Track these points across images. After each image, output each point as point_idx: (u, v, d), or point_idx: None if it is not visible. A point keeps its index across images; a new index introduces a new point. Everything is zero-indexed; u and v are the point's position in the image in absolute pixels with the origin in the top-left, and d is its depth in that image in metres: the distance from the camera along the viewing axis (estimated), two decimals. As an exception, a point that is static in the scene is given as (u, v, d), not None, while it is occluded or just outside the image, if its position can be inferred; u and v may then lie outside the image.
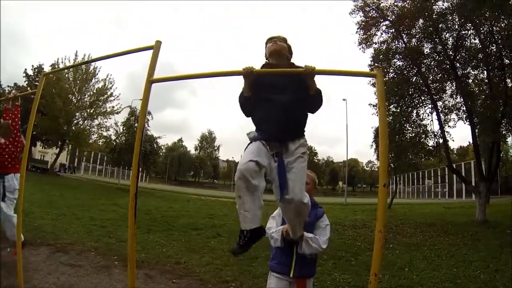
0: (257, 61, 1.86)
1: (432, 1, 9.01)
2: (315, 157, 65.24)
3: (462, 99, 9.40)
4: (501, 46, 8.43)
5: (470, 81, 9.59)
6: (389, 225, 7.66)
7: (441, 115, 9.69)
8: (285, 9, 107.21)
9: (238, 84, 1.72)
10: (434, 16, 8.97)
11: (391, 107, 9.80)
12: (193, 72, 2.30)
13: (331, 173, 65.53)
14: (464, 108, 9.35)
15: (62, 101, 20.65)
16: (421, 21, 9.37)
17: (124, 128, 20.27)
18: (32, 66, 23.18)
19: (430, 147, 10.02)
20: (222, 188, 47.65)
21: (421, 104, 10.09)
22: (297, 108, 1.71)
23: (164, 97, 74.12)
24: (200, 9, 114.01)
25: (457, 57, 9.26)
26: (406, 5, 9.66)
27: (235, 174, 1.56)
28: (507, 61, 8.60)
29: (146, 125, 17.22)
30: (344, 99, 22.51)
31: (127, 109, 21.19)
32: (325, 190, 59.15)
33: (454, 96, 9.78)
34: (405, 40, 9.80)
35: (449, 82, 9.75)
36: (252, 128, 1.81)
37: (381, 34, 10.17)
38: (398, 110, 9.93)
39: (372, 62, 9.87)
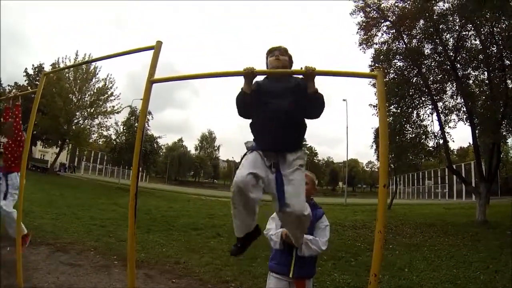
0: (257, 61, 1.85)
1: (433, 1, 9.01)
2: (315, 158, 65.25)
3: (462, 100, 9.40)
4: (501, 47, 8.43)
5: (471, 82, 9.58)
6: (389, 226, 7.66)
7: (441, 115, 9.69)
8: (285, 9, 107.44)
9: (238, 84, 1.72)
10: (434, 17, 8.98)
11: (391, 107, 9.79)
12: (193, 72, 2.30)
13: (331, 173, 65.50)
14: (465, 109, 9.35)
15: (63, 100, 20.67)
16: (421, 21, 9.36)
17: (124, 128, 20.29)
18: (33, 65, 23.25)
19: (430, 148, 10.01)
20: (222, 188, 47.51)
21: (421, 105, 10.09)
22: (296, 114, 1.67)
23: (164, 97, 74.15)
24: (200, 9, 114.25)
25: (458, 58, 9.26)
26: (407, 6, 9.67)
27: (234, 176, 1.55)
28: (507, 62, 8.61)
29: (146, 125, 17.26)
30: (344, 100, 22.55)
31: (127, 108, 21.25)
32: (325, 190, 59.08)
33: (455, 97, 9.79)
34: (405, 40, 9.80)
35: (449, 83, 9.74)
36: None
37: (382, 34, 10.20)
38: (398, 111, 9.92)
39: (373, 63, 9.89)
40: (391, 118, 9.60)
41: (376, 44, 10.19)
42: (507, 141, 11.35)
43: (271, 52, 1.83)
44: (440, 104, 9.80)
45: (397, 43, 9.96)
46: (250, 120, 1.78)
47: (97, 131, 23.33)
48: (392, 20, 9.88)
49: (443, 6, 8.99)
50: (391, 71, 9.94)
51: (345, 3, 14.27)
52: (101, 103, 22.93)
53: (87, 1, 78.15)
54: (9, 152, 3.82)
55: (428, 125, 9.96)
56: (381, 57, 9.80)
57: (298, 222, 1.62)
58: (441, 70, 9.62)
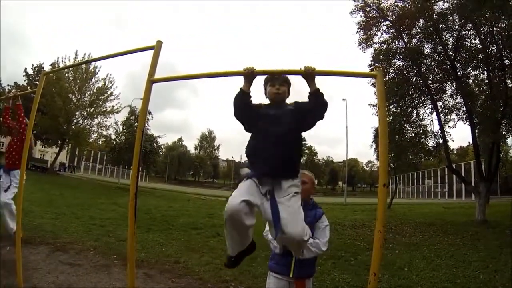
0: (257, 61, 1.85)
1: (433, 1, 9.01)
2: (315, 157, 65.30)
3: (462, 100, 9.40)
4: (501, 47, 8.43)
5: (470, 81, 9.60)
6: (388, 225, 7.67)
7: (441, 115, 9.70)
8: (285, 9, 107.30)
9: (238, 84, 1.72)
10: (434, 16, 8.97)
11: (391, 107, 9.79)
12: (193, 72, 2.30)
13: (331, 173, 65.55)
14: (464, 109, 9.36)
15: (62, 100, 20.65)
16: (421, 21, 9.36)
17: (124, 128, 20.29)
18: (32, 65, 23.24)
19: (430, 147, 10.02)
20: (222, 188, 47.63)
21: (421, 104, 10.09)
22: (292, 141, 1.65)
23: (164, 97, 74.09)
24: (200, 9, 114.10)
25: (458, 58, 9.26)
26: (407, 5, 9.66)
27: (234, 175, 1.53)
28: (507, 61, 8.62)
29: (146, 125, 17.22)
30: (344, 99, 22.54)
31: (127, 108, 21.25)
32: (325, 190, 59.16)
33: (454, 96, 9.80)
34: (405, 40, 9.79)
35: (449, 83, 9.75)
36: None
37: (382, 34, 10.19)
38: (398, 110, 9.93)
39: (372, 62, 9.88)
40: (390, 118, 9.61)
41: (376, 44, 10.19)
42: (507, 140, 11.34)
43: (271, 80, 1.78)
44: (439, 103, 9.82)
45: (396, 43, 9.96)
46: (247, 133, 1.76)
47: (96, 130, 23.36)
48: (391, 19, 9.87)
49: (443, 5, 9.01)
50: (391, 71, 9.94)
51: (345, 3, 14.32)
52: (100, 102, 22.91)
53: (87, 1, 78.12)
54: (13, 149, 4.07)
55: (428, 124, 10.00)
56: (381, 56, 9.79)
57: (298, 246, 1.62)
58: (441, 69, 9.62)
